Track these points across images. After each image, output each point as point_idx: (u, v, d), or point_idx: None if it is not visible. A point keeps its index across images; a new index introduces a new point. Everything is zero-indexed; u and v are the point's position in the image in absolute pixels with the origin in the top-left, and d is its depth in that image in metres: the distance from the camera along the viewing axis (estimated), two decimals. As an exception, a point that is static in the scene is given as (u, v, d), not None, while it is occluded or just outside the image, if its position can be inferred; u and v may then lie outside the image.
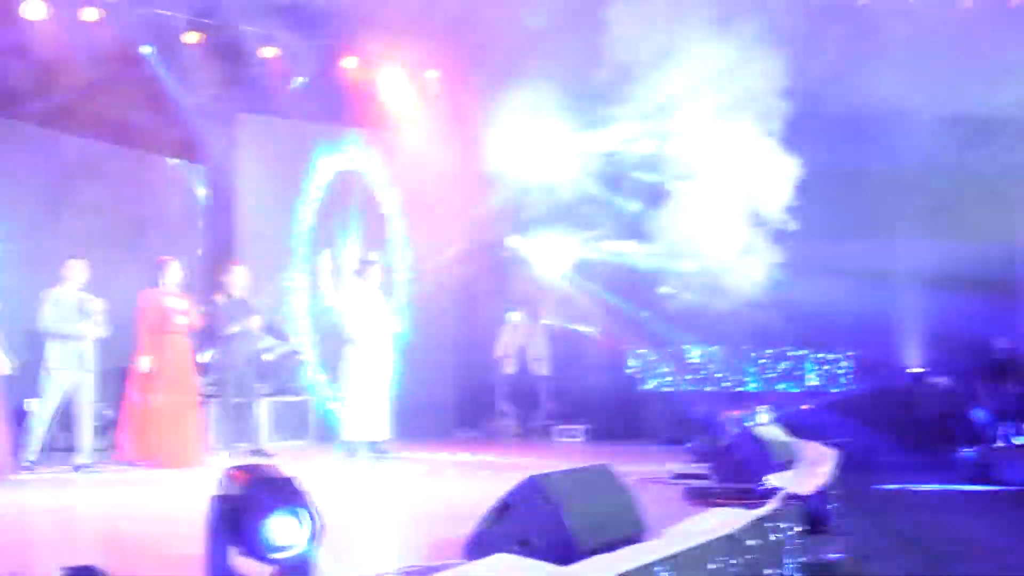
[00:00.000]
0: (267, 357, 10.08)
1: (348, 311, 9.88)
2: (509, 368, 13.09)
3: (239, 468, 3.62)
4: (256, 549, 3.43)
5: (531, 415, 13.25)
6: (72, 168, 10.78)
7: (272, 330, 10.40)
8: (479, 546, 4.15)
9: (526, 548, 3.97)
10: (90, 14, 10.51)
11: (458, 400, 13.36)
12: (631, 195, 11.97)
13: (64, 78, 10.02)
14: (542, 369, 13.21)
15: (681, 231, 10.36)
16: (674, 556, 3.94)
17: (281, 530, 3.42)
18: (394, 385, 10.00)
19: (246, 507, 3.44)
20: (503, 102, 11.19)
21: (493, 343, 13.32)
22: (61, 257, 8.83)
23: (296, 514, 3.46)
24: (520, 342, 13.21)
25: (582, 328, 13.49)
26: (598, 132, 11.52)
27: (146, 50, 11.05)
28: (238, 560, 3.47)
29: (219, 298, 9.85)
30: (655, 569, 3.77)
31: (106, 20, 10.57)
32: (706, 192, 10.20)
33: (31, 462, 8.33)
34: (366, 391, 9.68)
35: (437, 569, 3.77)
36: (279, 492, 3.53)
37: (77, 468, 8.47)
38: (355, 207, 12.41)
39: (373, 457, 9.56)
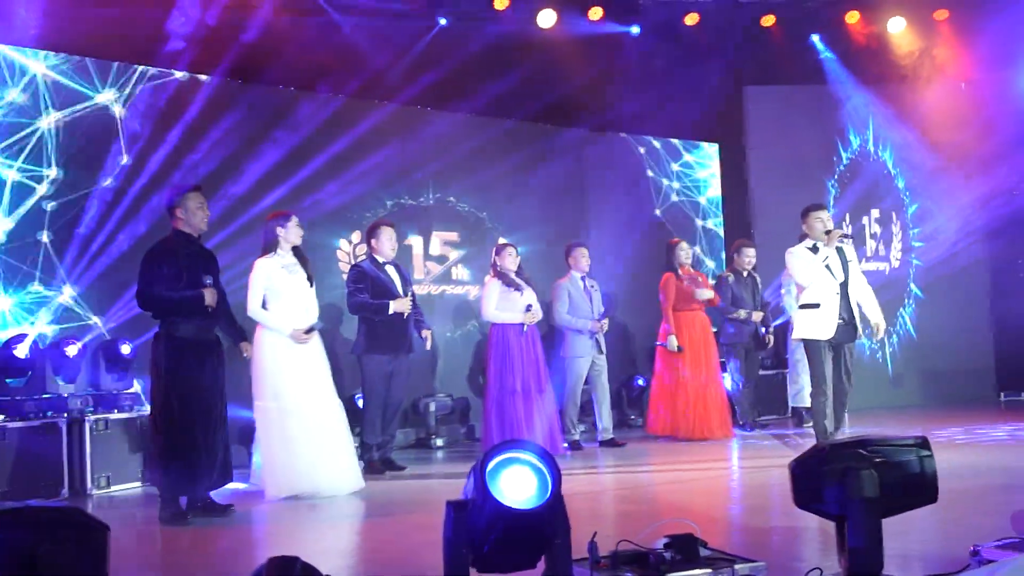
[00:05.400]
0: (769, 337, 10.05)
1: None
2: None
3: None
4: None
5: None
6: (591, 160, 11.47)
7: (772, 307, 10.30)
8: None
9: None
10: (595, 13, 11.04)
11: (999, 361, 12.37)
12: None
13: (576, 78, 10.63)
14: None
15: None
16: None
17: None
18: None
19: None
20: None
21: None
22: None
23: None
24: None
25: None
26: None
27: (635, 30, 11.39)
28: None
29: (727, 276, 9.99)
30: None
31: (607, 16, 11.08)
32: None
33: (574, 441, 8.91)
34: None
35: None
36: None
37: (601, 444, 8.96)
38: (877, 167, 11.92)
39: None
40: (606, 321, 9.05)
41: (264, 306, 6.74)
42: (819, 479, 3.46)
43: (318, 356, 6.86)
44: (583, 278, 9.13)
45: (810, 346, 7.47)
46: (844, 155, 12.12)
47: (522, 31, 10.59)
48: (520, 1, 10.55)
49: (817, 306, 7.40)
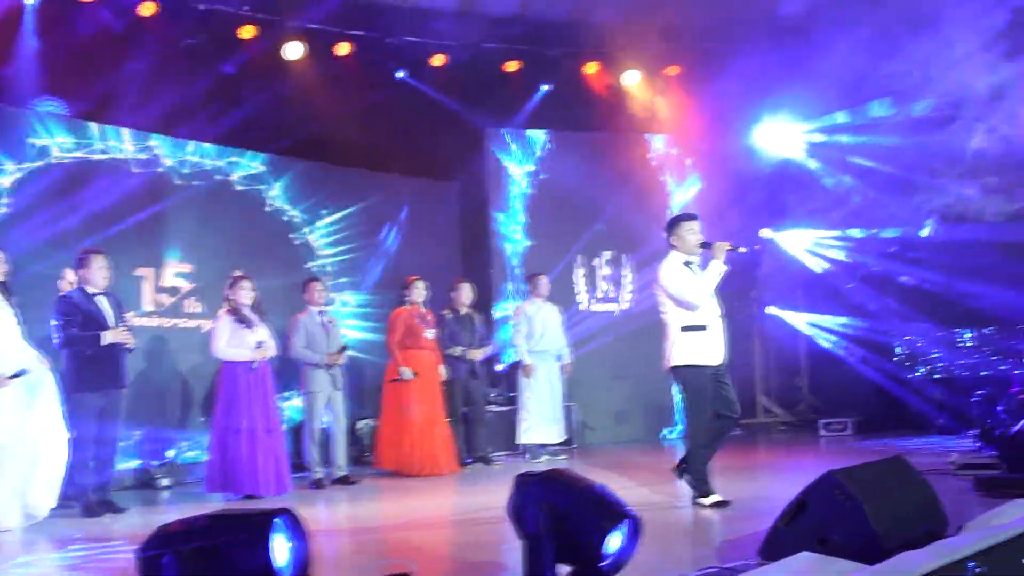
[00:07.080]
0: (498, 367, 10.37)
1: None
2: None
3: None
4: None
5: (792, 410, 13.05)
6: (329, 195, 11.44)
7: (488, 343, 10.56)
8: (775, 545, 4.09)
9: (825, 547, 3.87)
10: (342, 48, 11.05)
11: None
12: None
13: (323, 111, 10.60)
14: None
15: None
16: (987, 551, 3.72)
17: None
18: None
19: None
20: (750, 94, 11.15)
21: (750, 339, 13.09)
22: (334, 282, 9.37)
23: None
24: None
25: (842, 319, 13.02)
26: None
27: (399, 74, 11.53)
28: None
29: (446, 314, 10.16)
30: (969, 564, 3.58)
31: (356, 53, 11.11)
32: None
33: (317, 480, 8.81)
34: (542, 397, 10.22)
35: (738, 570, 3.73)
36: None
37: (333, 481, 8.89)
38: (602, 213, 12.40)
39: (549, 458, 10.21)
40: (345, 353, 8.98)
41: None
42: (522, 502, 3.61)
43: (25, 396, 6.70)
44: (320, 312, 9.06)
45: (692, 375, 6.37)
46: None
47: (267, 62, 10.46)
48: (267, 32, 10.41)
49: (703, 328, 6.41)
